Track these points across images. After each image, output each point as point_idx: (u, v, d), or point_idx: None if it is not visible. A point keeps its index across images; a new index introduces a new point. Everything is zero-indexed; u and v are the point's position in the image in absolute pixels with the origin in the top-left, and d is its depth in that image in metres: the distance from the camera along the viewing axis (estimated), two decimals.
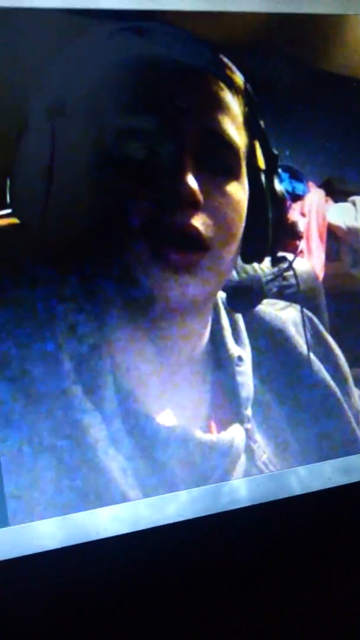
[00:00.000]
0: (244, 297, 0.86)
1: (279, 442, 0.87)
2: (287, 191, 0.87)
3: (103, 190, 0.77)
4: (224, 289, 0.85)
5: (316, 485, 0.88)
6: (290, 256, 0.88)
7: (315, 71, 0.91)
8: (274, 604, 0.85)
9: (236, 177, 0.81)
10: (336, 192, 0.93)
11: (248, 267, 0.86)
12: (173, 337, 0.81)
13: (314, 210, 0.91)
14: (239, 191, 0.82)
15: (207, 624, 0.81)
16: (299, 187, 0.89)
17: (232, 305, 0.86)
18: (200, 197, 0.78)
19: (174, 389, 0.82)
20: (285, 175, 0.87)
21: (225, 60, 0.82)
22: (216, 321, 0.85)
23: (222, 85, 0.80)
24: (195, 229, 0.78)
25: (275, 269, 0.88)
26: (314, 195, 0.91)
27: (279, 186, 0.85)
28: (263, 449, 0.85)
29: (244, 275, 0.86)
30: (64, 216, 0.76)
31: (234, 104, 0.81)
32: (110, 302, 0.78)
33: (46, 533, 0.75)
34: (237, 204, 0.81)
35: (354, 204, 0.94)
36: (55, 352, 0.76)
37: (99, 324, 0.78)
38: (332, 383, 0.90)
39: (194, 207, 0.78)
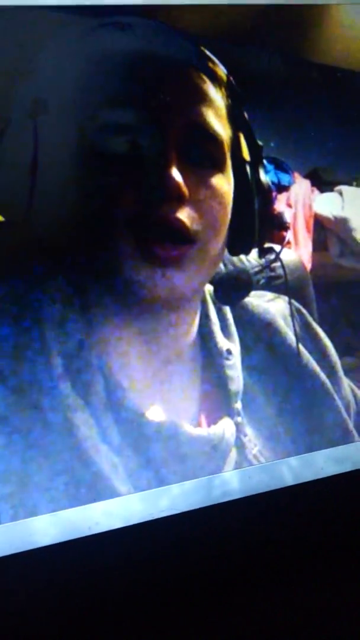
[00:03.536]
0: (231, 289, 0.86)
1: (269, 435, 0.87)
2: (273, 182, 0.87)
3: (88, 185, 0.77)
4: (211, 282, 0.85)
5: (308, 475, 0.89)
6: (277, 247, 0.88)
7: (299, 61, 0.91)
8: (269, 596, 0.85)
9: (221, 169, 0.81)
10: (322, 182, 0.93)
11: (235, 259, 0.86)
12: (161, 332, 0.81)
13: (300, 201, 0.91)
14: (224, 183, 0.81)
15: (202, 617, 0.82)
16: (285, 178, 0.89)
17: (220, 298, 0.86)
18: (185, 190, 0.78)
19: (163, 383, 0.82)
20: (270, 167, 0.87)
21: (208, 52, 0.81)
22: (204, 315, 0.85)
23: (204, 77, 0.80)
24: (181, 222, 0.78)
25: (263, 260, 0.87)
26: (300, 186, 0.91)
27: (264, 177, 0.85)
28: (254, 442, 0.85)
29: (231, 267, 0.86)
30: (48, 212, 0.76)
31: (217, 97, 0.81)
32: (98, 298, 0.78)
33: (39, 530, 0.75)
34: (222, 196, 0.81)
35: (340, 193, 0.94)
36: (43, 349, 0.76)
37: (87, 319, 0.78)
38: (321, 374, 0.91)
39: (179, 200, 0.78)
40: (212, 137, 0.80)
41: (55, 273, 0.76)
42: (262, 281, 0.88)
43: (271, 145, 0.87)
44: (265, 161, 0.86)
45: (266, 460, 0.86)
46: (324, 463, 0.89)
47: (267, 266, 0.88)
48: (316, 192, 0.92)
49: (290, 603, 0.85)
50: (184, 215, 0.78)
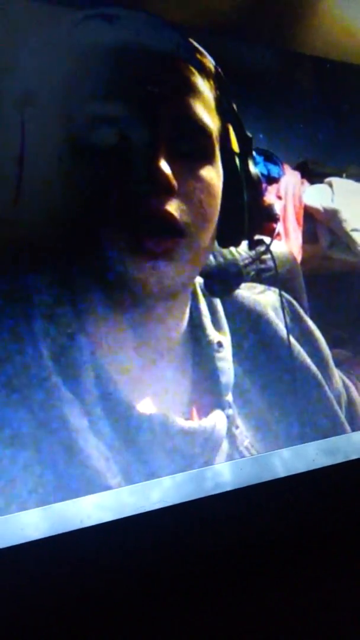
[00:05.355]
0: (222, 281, 0.86)
1: (260, 427, 0.87)
2: (262, 174, 0.87)
3: (75, 178, 0.77)
4: (201, 274, 0.84)
5: (300, 467, 0.89)
6: (267, 239, 0.88)
7: (288, 53, 0.90)
8: (262, 587, 0.85)
9: (210, 161, 0.81)
10: (312, 174, 0.93)
11: (225, 251, 0.86)
12: (152, 324, 0.81)
13: (290, 193, 0.91)
14: (213, 175, 0.81)
15: (195, 608, 0.82)
16: (274, 170, 0.89)
17: (211, 290, 0.85)
18: (174, 182, 0.77)
19: (154, 376, 0.81)
20: (259, 158, 0.87)
21: (195, 44, 0.81)
22: (195, 307, 0.85)
23: (192, 69, 0.80)
24: (170, 214, 0.78)
25: (253, 252, 0.87)
26: (290, 178, 0.91)
27: (253, 169, 0.85)
28: (245, 434, 0.85)
29: (221, 259, 0.85)
30: (36, 206, 0.75)
31: (205, 88, 0.80)
32: (87, 291, 0.78)
33: (30, 523, 0.75)
34: (211, 188, 0.81)
35: (330, 185, 0.94)
36: (33, 342, 0.75)
37: (77, 313, 0.78)
38: (312, 365, 0.91)
39: (168, 192, 0.78)
40: (201, 129, 0.80)
41: (43, 267, 0.76)
42: (253, 273, 0.88)
43: (260, 137, 0.87)
44: (254, 153, 0.85)
45: (258, 452, 0.86)
46: (315, 455, 0.90)
47: (257, 258, 0.88)
48: (306, 183, 0.92)
49: (282, 595, 0.85)
50: (173, 207, 0.78)
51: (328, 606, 0.84)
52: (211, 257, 0.85)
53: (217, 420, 0.84)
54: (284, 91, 0.90)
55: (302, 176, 0.92)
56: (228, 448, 0.84)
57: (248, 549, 0.87)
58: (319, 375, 0.91)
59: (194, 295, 0.85)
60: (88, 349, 0.78)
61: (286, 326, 0.89)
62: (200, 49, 0.81)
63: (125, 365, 0.80)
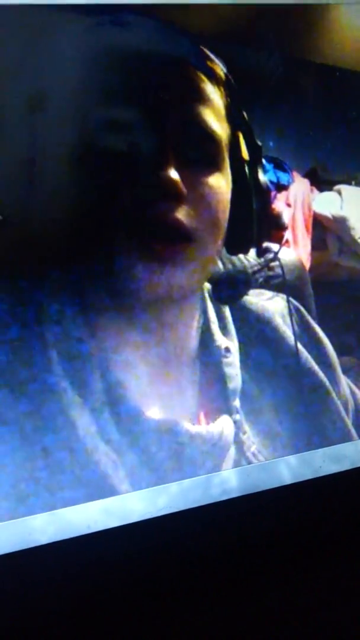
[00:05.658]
0: (230, 288, 0.86)
1: (268, 433, 0.87)
2: (272, 181, 0.87)
3: (85, 184, 0.77)
4: (209, 281, 0.85)
5: (307, 474, 0.89)
6: (275, 246, 0.88)
7: (298, 61, 0.91)
8: (267, 594, 0.85)
9: (219, 168, 0.81)
10: (321, 182, 0.93)
11: (234, 258, 0.86)
12: (160, 330, 0.81)
13: (299, 200, 0.91)
14: (222, 182, 0.81)
15: (201, 615, 0.82)
16: (284, 177, 0.89)
17: (219, 297, 0.86)
18: (183, 189, 0.78)
19: (162, 381, 0.82)
20: (269, 166, 0.87)
21: (206, 51, 0.81)
22: (203, 313, 0.85)
23: (202, 76, 0.80)
24: (179, 221, 0.78)
25: (261, 259, 0.88)
26: (299, 185, 0.91)
27: (262, 177, 0.85)
28: (252, 440, 0.85)
29: (229, 266, 0.86)
30: (46, 210, 0.76)
31: (216, 95, 0.81)
32: (96, 296, 0.78)
33: (37, 528, 0.75)
34: (220, 195, 0.81)
35: (339, 193, 0.94)
36: (42, 347, 0.76)
37: (85, 317, 0.78)
38: (320, 372, 0.90)
39: (177, 199, 0.78)
40: (210, 136, 0.80)
41: (52, 271, 0.76)
42: (261, 280, 0.88)
43: (270, 145, 0.87)
44: (264, 160, 0.86)
45: (265, 458, 0.86)
46: (322, 462, 0.89)
47: (266, 265, 0.88)
48: (315, 191, 0.92)
49: (288, 602, 0.85)
50: (182, 214, 0.78)
51: (333, 610, 0.84)
52: (220, 264, 0.85)
53: (224, 425, 0.84)
54: (294, 99, 0.90)
55: (312, 184, 0.92)
56: (235, 454, 0.84)
57: (254, 556, 0.87)
58: (327, 382, 0.91)
59: (203, 301, 0.85)
60: (96, 353, 0.78)
61: (294, 333, 0.90)
62: (211, 55, 0.81)
63: (133, 370, 0.80)
